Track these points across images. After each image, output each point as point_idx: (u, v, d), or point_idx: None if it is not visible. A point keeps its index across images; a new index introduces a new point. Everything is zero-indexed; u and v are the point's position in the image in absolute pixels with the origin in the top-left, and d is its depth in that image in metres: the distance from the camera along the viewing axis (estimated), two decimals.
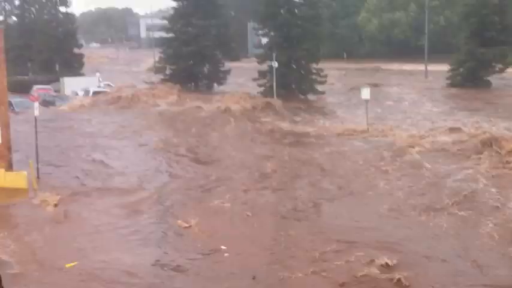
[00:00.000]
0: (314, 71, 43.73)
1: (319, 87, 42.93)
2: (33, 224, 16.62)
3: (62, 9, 72.71)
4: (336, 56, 74.98)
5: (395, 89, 48.40)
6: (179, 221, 16.31)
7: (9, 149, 21.33)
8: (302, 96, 43.10)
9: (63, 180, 21.54)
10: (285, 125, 32.14)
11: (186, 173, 22.42)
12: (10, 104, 32.21)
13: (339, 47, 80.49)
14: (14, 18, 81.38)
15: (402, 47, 74.37)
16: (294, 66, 43.78)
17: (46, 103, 41.75)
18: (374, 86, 41.80)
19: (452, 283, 12.31)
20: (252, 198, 18.68)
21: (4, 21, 77.07)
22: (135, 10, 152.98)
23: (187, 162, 24.26)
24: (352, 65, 68.71)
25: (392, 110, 37.29)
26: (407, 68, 65.58)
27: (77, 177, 21.99)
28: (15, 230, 16.38)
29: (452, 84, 49.16)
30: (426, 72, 57.39)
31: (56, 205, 18.24)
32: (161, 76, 51.81)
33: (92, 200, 19.06)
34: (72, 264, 13.57)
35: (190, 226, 15.98)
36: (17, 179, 20.46)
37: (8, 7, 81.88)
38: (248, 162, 23.64)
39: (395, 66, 68.53)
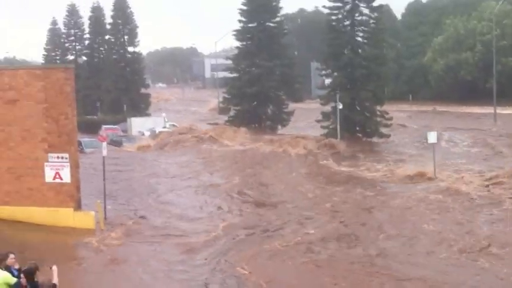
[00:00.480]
0: (379, 113, 43.02)
1: (385, 130, 42.11)
2: (92, 266, 16.84)
3: (130, 49, 74.77)
4: (401, 97, 73.97)
5: (462, 132, 46.91)
6: (238, 268, 16.05)
7: (78, 188, 21.63)
8: (367, 139, 42.35)
9: (128, 220, 21.73)
10: (349, 169, 31.63)
11: (248, 215, 22.25)
12: (80, 144, 33.03)
13: (404, 88, 79.47)
14: (84, 58, 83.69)
15: (470, 89, 72.64)
16: (358, 108, 43.27)
17: (114, 143, 42.62)
18: (441, 129, 40.78)
19: None
20: (314, 244, 18.30)
21: (74, 61, 79.36)
22: (200, 49, 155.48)
23: (249, 204, 24.16)
24: (418, 107, 67.58)
25: (459, 155, 36.13)
26: (476, 111, 63.91)
27: (143, 217, 22.17)
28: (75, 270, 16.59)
29: None
30: (495, 116, 55.63)
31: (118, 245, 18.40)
32: (225, 116, 52.20)
33: (156, 241, 19.09)
34: None
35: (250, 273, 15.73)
36: (85, 219, 20.78)
37: (78, 47, 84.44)
38: (310, 207, 23.27)
39: (462, 109, 66.95)
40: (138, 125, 55.44)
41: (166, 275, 16.08)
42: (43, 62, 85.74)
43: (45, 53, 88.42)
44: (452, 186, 25.71)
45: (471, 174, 28.84)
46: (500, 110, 56.52)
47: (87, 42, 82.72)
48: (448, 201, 23.35)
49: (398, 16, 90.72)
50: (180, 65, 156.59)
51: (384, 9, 47.13)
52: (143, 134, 51.01)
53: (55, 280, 8.24)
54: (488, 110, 58.11)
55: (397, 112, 54.78)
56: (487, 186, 25.23)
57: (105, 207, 21.94)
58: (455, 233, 19.14)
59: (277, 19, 52.91)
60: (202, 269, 16.55)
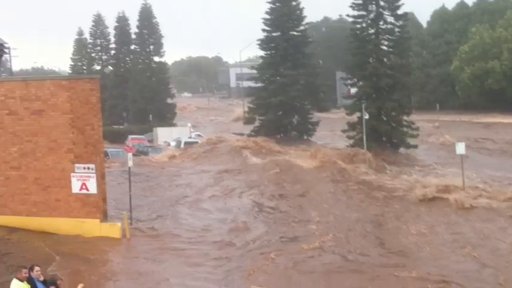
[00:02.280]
0: (405, 123, 42.54)
1: (411, 141, 41.57)
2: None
3: (156, 58, 75.34)
4: (428, 107, 73.30)
5: (490, 143, 46.27)
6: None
7: (104, 200, 21.74)
8: (393, 150, 41.84)
9: (153, 230, 21.80)
10: (376, 180, 31.30)
11: (272, 228, 22.14)
12: (106, 154, 33.31)
13: (430, 97, 78.80)
14: (110, 68, 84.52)
15: (498, 98, 71.74)
16: (384, 117, 42.76)
17: (140, 153, 42.79)
18: (471, 140, 40.17)
19: None
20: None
21: (100, 71, 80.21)
22: (225, 59, 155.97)
23: (274, 216, 24.02)
24: (446, 117, 66.85)
25: (489, 166, 35.51)
26: (504, 120, 63.05)
27: (169, 229, 22.20)
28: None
29: None
30: None
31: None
32: (250, 126, 52.13)
33: (180, 254, 19.09)
34: None
35: None
36: (111, 229, 20.89)
37: (104, 57, 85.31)
38: (333, 220, 23.10)
39: (491, 118, 66.06)
40: (164, 135, 55.75)
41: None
42: (70, 72, 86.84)
43: (72, 63, 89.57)
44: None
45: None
46: None
47: (113, 52, 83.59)
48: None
49: (424, 24, 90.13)
50: (205, 74, 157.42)
51: (408, 17, 46.65)
52: (169, 144, 51.20)
53: None
54: None
55: (424, 123, 54.31)
56: None
57: (131, 218, 22.06)
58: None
59: (301, 28, 52.76)
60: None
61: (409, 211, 24.01)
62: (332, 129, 52.91)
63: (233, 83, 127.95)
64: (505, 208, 23.16)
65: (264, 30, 52.09)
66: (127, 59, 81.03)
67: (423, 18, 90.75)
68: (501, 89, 71.40)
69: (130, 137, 53.38)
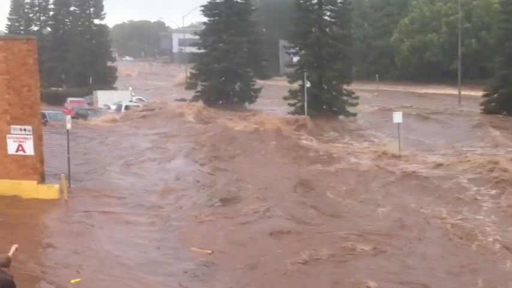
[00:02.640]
0: (345, 92, 43.40)
1: (351, 109, 42.51)
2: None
3: (96, 21, 73.81)
4: (368, 77, 74.65)
5: (426, 113, 47.44)
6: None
7: (41, 161, 21.44)
8: (333, 118, 42.70)
9: (91, 192, 21.79)
10: (315, 146, 31.90)
11: (207, 191, 22.45)
12: (44, 116, 32.71)
13: (371, 68, 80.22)
14: (49, 29, 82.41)
15: (435, 71, 73.73)
16: (325, 86, 43.54)
17: (79, 116, 42.20)
18: (405, 109, 41.30)
19: None
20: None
21: (38, 32, 78.17)
22: (168, 24, 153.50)
23: (210, 179, 24.35)
24: (385, 87, 68.27)
25: (424, 135, 36.62)
26: (440, 91, 64.93)
27: (107, 191, 22.17)
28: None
29: (486, 111, 47.69)
30: (460, 98, 56.54)
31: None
32: (192, 92, 52.04)
33: (118, 217, 19.17)
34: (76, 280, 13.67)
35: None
36: (48, 191, 20.75)
37: (42, 17, 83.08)
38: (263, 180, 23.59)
39: (428, 89, 68.00)
40: (104, 98, 54.95)
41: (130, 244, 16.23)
42: (6, 32, 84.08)
43: (9, 23, 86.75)
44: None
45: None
46: (463, 92, 57.48)
47: (51, 13, 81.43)
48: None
49: None
50: (148, 39, 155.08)
51: None
52: (109, 108, 50.56)
53: (10, 253, 8.23)
54: (453, 91, 59.08)
55: (364, 92, 55.36)
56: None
57: (69, 179, 21.90)
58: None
59: None
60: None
61: (343, 176, 24.60)
62: (274, 97, 53.29)
63: (176, 48, 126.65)
64: (433, 175, 24.02)
65: None
66: (66, 20, 79.03)
67: None
68: (438, 61, 73.31)
69: (69, 99, 52.49)
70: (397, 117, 30.02)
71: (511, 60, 46.99)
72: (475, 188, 21.83)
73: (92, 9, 73.53)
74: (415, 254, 15.44)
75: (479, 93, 49.60)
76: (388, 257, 15.10)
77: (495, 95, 47.95)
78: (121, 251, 15.67)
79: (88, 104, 53.73)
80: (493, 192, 21.38)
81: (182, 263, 14.75)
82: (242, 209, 19.42)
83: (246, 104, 51.55)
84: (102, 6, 73.74)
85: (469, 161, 26.31)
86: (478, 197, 20.95)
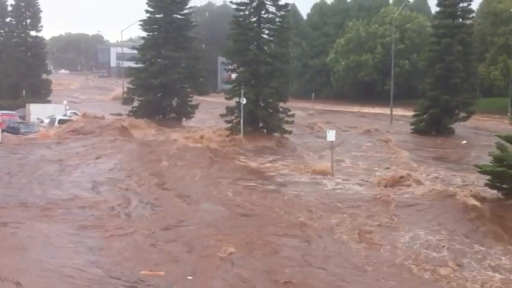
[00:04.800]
0: (281, 109, 43.99)
1: (286, 127, 43.13)
2: None
3: (32, 33, 72.43)
4: (304, 95, 75.97)
5: (358, 133, 48.55)
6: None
7: None
8: (269, 135, 43.22)
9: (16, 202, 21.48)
10: (250, 164, 32.24)
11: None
12: None
13: (307, 86, 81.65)
14: None
15: (369, 90, 75.78)
16: (262, 103, 44.00)
17: (11, 130, 41.26)
18: (339, 129, 42.25)
19: None
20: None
21: None
22: (106, 37, 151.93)
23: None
24: (320, 106, 69.55)
25: (355, 155, 37.53)
26: (374, 111, 66.68)
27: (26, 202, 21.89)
28: None
29: (416, 130, 49.45)
30: (391, 117, 58.19)
31: None
32: (128, 107, 51.64)
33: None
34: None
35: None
36: None
37: None
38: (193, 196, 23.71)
39: (361, 109, 69.71)
40: (37, 111, 53.89)
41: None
42: None
43: None
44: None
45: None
46: (396, 111, 59.26)
47: None
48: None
49: (304, 16, 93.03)
50: (85, 52, 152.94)
51: (289, 9, 48.12)
52: (42, 122, 49.62)
53: None
54: (385, 111, 60.74)
55: (299, 110, 56.22)
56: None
57: None
58: None
59: (185, 11, 52.84)
60: None
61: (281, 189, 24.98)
62: (211, 113, 53.49)
63: (113, 62, 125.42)
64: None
65: (147, 11, 51.63)
66: (1, 31, 77.26)
67: (304, 10, 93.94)
68: (372, 81, 75.38)
69: (0, 112, 51.26)
70: (331, 135, 30.64)
71: (441, 82, 48.88)
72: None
73: (28, 21, 72.18)
74: None
75: (411, 112, 51.25)
76: None
77: (425, 115, 49.74)
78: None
79: (20, 117, 52.55)
80: None
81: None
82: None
83: (183, 119, 51.51)
84: (40, 18, 72.50)
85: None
86: None
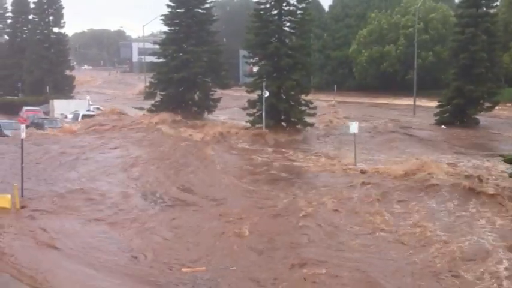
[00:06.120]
0: (304, 102, 43.77)
1: (309, 119, 42.89)
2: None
3: (55, 29, 73.02)
4: (326, 87, 75.48)
5: (383, 123, 47.98)
6: None
7: None
8: (291, 127, 43.02)
9: (44, 201, 21.68)
10: (272, 157, 32.13)
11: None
12: None
13: (329, 78, 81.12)
14: (6, 37, 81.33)
15: (392, 81, 75.04)
16: (284, 96, 43.81)
17: (35, 125, 41.65)
18: (363, 120, 41.88)
19: None
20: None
21: None
22: (128, 33, 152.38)
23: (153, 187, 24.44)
24: (342, 98, 69.04)
25: (379, 146, 37.13)
26: (397, 102, 65.98)
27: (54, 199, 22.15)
28: None
29: (440, 121, 48.82)
30: (415, 108, 57.56)
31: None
32: (151, 101, 51.78)
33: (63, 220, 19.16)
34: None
35: None
36: (1, 201, 20.66)
37: (0, 26, 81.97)
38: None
39: (385, 100, 69.00)
40: (60, 107, 54.35)
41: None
42: None
43: None
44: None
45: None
46: (419, 102, 58.60)
47: (9, 21, 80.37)
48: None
49: (326, 8, 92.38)
50: (107, 47, 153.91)
51: (311, 0, 47.83)
52: (66, 117, 50.03)
53: None
54: (409, 102, 60.00)
55: (323, 102, 55.94)
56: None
57: (22, 189, 21.89)
58: None
59: (206, 6, 52.73)
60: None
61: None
62: (234, 106, 53.43)
63: (135, 57, 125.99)
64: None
65: (168, 6, 51.65)
66: (24, 28, 78.05)
67: (326, 1, 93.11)
68: (395, 72, 74.65)
69: (25, 108, 51.76)
70: (353, 127, 30.42)
71: (465, 72, 48.18)
72: None
73: (51, 18, 72.74)
74: None
75: (435, 103, 50.64)
76: None
77: (449, 106, 49.07)
78: None
79: (44, 113, 53.04)
80: None
81: None
82: None
83: (205, 113, 51.52)
84: (62, 14, 73.04)
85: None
86: None
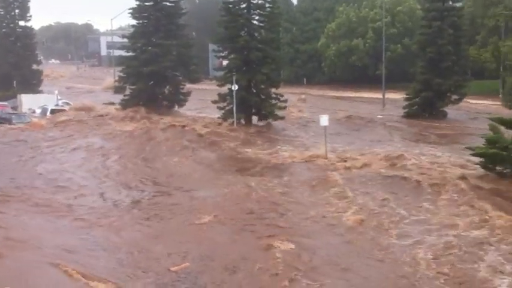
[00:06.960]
0: (274, 95, 43.98)
1: (279, 113, 43.11)
2: None
3: (21, 23, 71.86)
4: (296, 81, 75.90)
5: (353, 117, 48.44)
6: None
7: None
8: (262, 121, 43.26)
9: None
10: (244, 150, 32.28)
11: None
12: None
13: (299, 72, 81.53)
14: None
15: (360, 75, 75.69)
16: (254, 90, 43.99)
17: (3, 120, 41.18)
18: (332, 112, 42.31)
19: None
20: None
21: None
22: (96, 26, 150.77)
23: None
24: (312, 91, 69.47)
25: (347, 138, 37.61)
26: (366, 95, 66.65)
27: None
28: None
29: (408, 114, 49.49)
30: (383, 101, 58.25)
31: None
32: (120, 96, 51.42)
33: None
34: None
35: None
36: None
37: None
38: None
39: (353, 93, 69.65)
40: (28, 102, 53.64)
41: None
42: None
43: None
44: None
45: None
46: (388, 95, 59.32)
47: None
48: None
49: (295, 1, 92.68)
50: (75, 41, 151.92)
51: None
52: (34, 112, 49.44)
53: None
54: (378, 95, 60.74)
55: (291, 95, 56.15)
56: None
57: None
58: None
59: None
60: None
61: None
62: (203, 100, 53.41)
63: (104, 51, 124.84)
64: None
65: None
66: None
67: None
68: (363, 65, 75.32)
69: None
70: (324, 120, 30.76)
71: (432, 65, 48.96)
72: None
73: (17, 11, 71.50)
74: None
75: (403, 96, 51.29)
76: None
77: (417, 99, 49.82)
78: None
79: (12, 108, 52.32)
80: None
81: None
82: None
83: (175, 107, 51.37)
84: (28, 7, 71.77)
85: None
86: None
